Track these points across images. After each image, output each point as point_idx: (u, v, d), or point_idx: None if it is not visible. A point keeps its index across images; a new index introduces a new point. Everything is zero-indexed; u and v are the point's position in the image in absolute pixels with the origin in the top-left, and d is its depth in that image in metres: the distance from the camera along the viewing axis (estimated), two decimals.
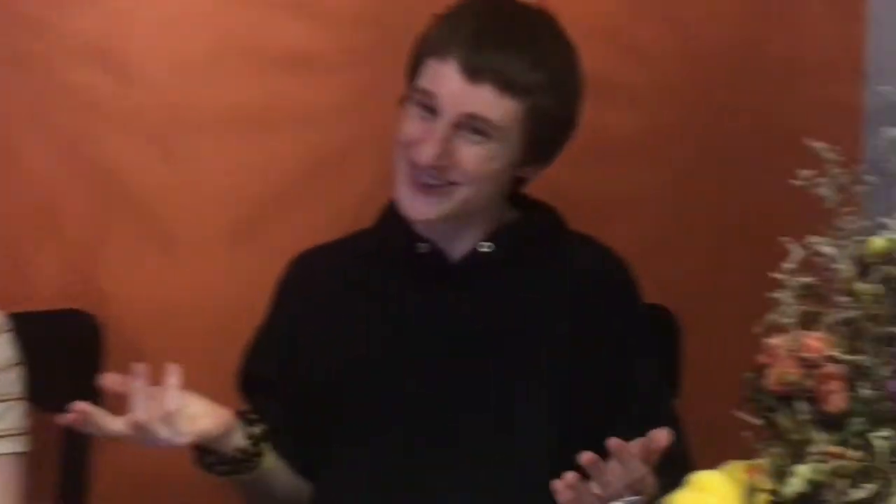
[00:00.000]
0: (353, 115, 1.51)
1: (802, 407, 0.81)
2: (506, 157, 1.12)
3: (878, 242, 0.84)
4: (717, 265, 1.75)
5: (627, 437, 1.08)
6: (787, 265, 0.84)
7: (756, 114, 1.75)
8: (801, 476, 0.79)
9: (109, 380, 1.01)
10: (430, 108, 1.10)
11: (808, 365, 0.82)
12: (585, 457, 0.92)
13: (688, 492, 0.93)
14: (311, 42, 1.49)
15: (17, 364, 1.14)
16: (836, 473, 0.78)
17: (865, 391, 0.80)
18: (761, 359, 0.85)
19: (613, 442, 0.93)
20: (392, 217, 1.17)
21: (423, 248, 1.14)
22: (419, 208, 1.11)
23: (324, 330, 1.17)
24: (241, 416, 1.09)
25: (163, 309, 1.45)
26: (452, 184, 1.10)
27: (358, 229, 1.24)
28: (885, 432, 0.78)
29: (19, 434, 1.12)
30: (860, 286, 0.83)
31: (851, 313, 0.82)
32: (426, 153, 1.08)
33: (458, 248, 1.15)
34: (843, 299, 0.83)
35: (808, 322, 0.85)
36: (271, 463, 1.11)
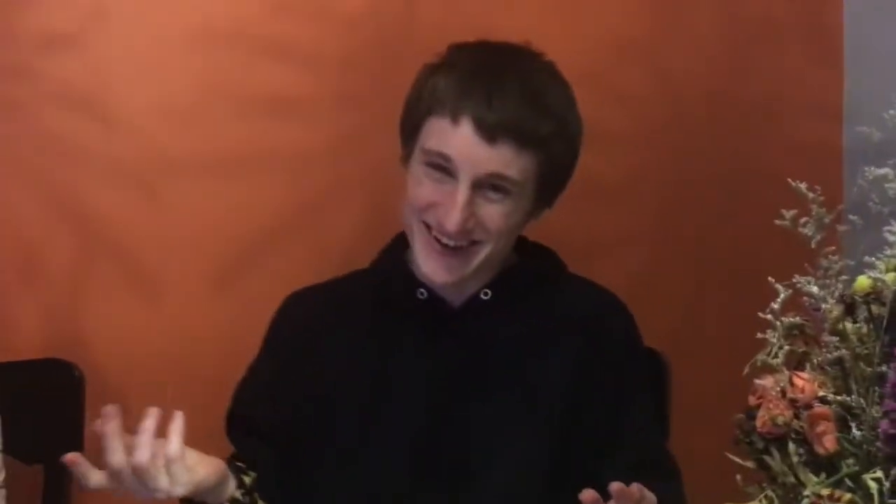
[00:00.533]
0: (337, 158, 1.51)
1: (794, 449, 0.81)
2: (522, 210, 1.11)
3: (863, 281, 0.84)
4: (700, 305, 1.75)
5: (623, 480, 1.07)
6: (773, 305, 0.84)
7: (737, 156, 1.77)
8: None
9: (98, 425, 0.98)
10: (443, 169, 1.08)
11: (798, 406, 0.82)
12: (586, 494, 0.91)
13: None
14: (294, 86, 1.49)
15: None
16: None
17: (856, 432, 0.80)
18: (751, 400, 0.84)
19: (616, 485, 0.91)
20: (389, 261, 1.17)
21: (423, 294, 1.13)
22: (442, 273, 1.10)
23: (315, 371, 1.15)
24: (231, 464, 1.07)
25: (145, 357, 1.43)
26: (474, 243, 1.09)
27: (351, 271, 1.22)
28: (877, 473, 0.78)
29: None
30: (847, 325, 0.83)
31: (839, 353, 0.82)
32: (453, 221, 1.06)
33: (459, 294, 1.13)
34: (831, 339, 0.83)
35: (797, 362, 0.85)
36: None
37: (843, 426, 0.81)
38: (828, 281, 0.86)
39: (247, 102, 1.48)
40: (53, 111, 1.41)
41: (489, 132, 1.05)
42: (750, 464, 0.84)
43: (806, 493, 0.79)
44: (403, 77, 1.16)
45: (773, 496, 0.80)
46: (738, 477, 0.83)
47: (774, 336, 0.84)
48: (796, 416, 0.82)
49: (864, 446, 0.79)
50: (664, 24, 1.71)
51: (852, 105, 1.79)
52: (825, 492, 0.78)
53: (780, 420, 0.81)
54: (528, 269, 1.16)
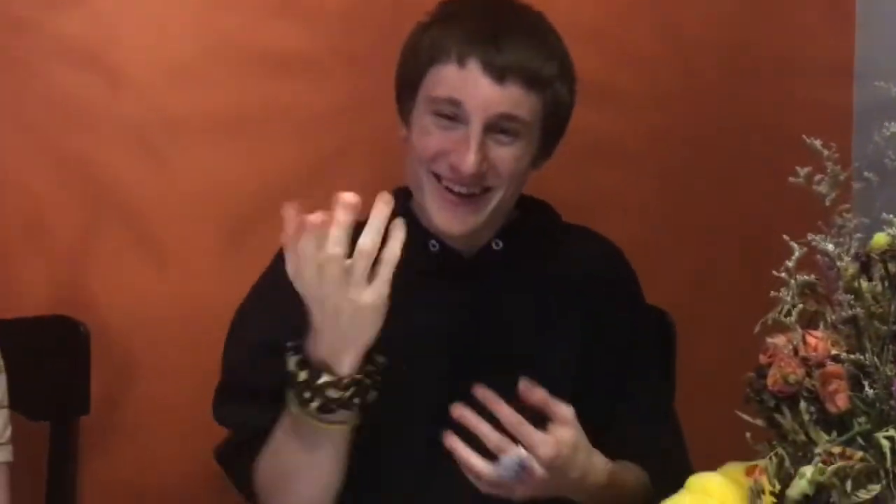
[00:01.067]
0: (345, 117, 1.50)
1: (805, 407, 0.80)
2: (530, 154, 1.12)
3: (881, 238, 0.83)
4: (710, 266, 1.74)
5: (627, 433, 1.07)
6: (788, 263, 0.83)
7: (747, 115, 1.75)
8: (805, 477, 0.78)
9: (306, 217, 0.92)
10: (452, 116, 1.08)
11: (810, 364, 0.81)
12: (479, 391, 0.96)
13: (687, 494, 0.92)
14: (301, 44, 1.48)
15: (0, 372, 1.12)
16: (840, 474, 0.77)
17: (869, 391, 0.79)
18: (762, 359, 0.84)
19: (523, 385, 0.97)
20: (400, 214, 1.15)
21: (434, 246, 1.13)
22: (457, 224, 1.10)
23: None
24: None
25: (151, 315, 1.43)
26: (487, 189, 1.10)
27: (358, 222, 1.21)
28: (890, 432, 0.77)
29: (3, 443, 1.10)
30: (862, 284, 0.82)
31: (854, 311, 0.82)
32: (469, 162, 1.06)
33: (470, 246, 1.14)
34: (845, 297, 0.82)
35: (808, 321, 0.84)
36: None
37: (855, 385, 0.80)
38: (842, 239, 0.85)
39: (254, 61, 1.46)
40: (58, 68, 1.40)
41: (498, 72, 1.06)
42: (760, 422, 0.83)
43: (817, 450, 0.78)
44: None
45: (784, 454, 0.80)
46: (748, 435, 0.82)
47: (788, 294, 0.83)
48: (808, 375, 0.81)
49: (877, 405, 0.79)
50: None
51: (863, 63, 1.77)
52: (836, 450, 0.78)
53: (792, 378, 0.80)
54: (531, 220, 1.17)
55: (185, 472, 1.42)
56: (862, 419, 0.79)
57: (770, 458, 0.81)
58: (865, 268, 0.83)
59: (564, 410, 0.99)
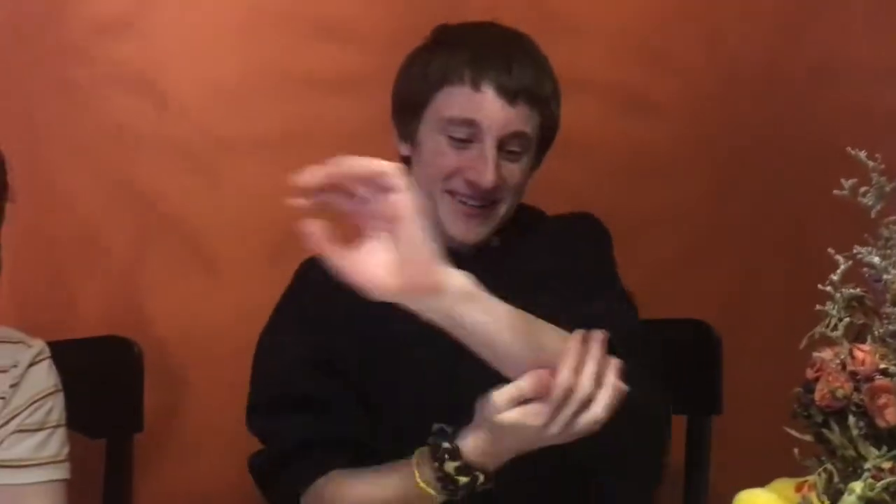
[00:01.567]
0: (386, 135, 1.51)
1: (854, 422, 0.79)
2: (530, 166, 1.21)
3: None
4: (754, 279, 1.73)
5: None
6: (833, 277, 0.83)
7: (791, 125, 1.73)
8: (854, 493, 0.77)
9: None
10: (465, 135, 1.16)
11: (858, 378, 0.80)
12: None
13: None
14: (342, 65, 1.50)
15: (57, 391, 1.15)
16: (891, 490, 0.77)
17: None
18: (809, 374, 0.83)
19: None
20: None
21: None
22: (471, 234, 1.18)
23: (350, 339, 1.17)
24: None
25: (203, 333, 1.46)
26: (496, 201, 1.18)
27: None
28: None
29: (61, 461, 1.13)
30: None
31: None
32: (488, 179, 1.15)
33: (467, 247, 1.20)
34: (892, 310, 0.82)
35: (856, 334, 0.84)
36: None
37: None
38: (889, 251, 0.84)
39: (297, 83, 1.49)
40: (109, 93, 1.44)
41: (510, 95, 1.15)
42: (808, 437, 0.83)
43: (867, 466, 0.77)
44: None
45: (833, 469, 0.79)
46: (796, 450, 0.82)
47: (834, 308, 0.82)
48: (856, 389, 0.80)
49: None
50: None
51: None
52: (886, 465, 0.77)
53: (840, 393, 0.80)
54: (523, 216, 1.24)
55: (237, 487, 1.44)
56: None
57: (819, 474, 0.80)
58: None
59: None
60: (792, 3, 1.72)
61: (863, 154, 0.86)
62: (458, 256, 1.14)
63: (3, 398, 1.11)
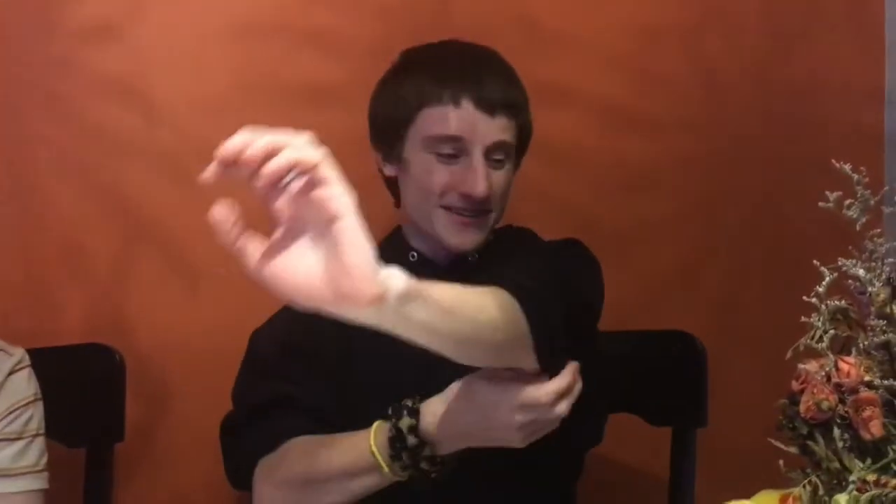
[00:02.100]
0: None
1: (839, 434, 0.79)
2: (512, 172, 1.25)
3: None
4: (740, 291, 1.73)
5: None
6: (818, 288, 0.83)
7: (777, 140, 1.74)
8: None
9: None
10: (452, 151, 1.20)
11: (843, 391, 0.81)
12: None
13: None
14: (332, 76, 1.50)
15: (37, 400, 1.13)
16: (875, 502, 0.76)
17: None
18: (794, 385, 0.83)
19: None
20: (392, 234, 1.26)
21: (413, 257, 1.24)
22: (468, 242, 1.22)
23: (330, 352, 1.19)
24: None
25: (185, 343, 1.45)
26: (487, 211, 1.22)
27: None
28: None
29: (40, 471, 1.12)
30: (894, 308, 0.82)
31: (886, 336, 0.81)
32: (481, 189, 1.19)
33: (446, 257, 1.24)
34: (877, 322, 0.82)
35: (841, 346, 0.84)
36: None
37: (889, 411, 0.79)
38: (873, 264, 0.84)
39: (284, 92, 1.49)
40: (96, 102, 1.43)
41: (489, 107, 1.20)
42: (793, 449, 0.83)
43: (851, 478, 0.77)
44: None
45: (818, 482, 0.79)
46: (781, 462, 0.82)
47: (819, 320, 0.83)
48: (841, 401, 0.80)
49: None
50: (704, 7, 1.69)
51: (895, 87, 1.76)
52: (871, 477, 0.77)
53: (825, 405, 0.80)
54: (508, 236, 1.28)
55: (218, 497, 1.43)
56: None
57: (804, 486, 0.80)
58: None
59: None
60: (778, 20, 1.73)
61: (848, 167, 0.87)
62: (436, 269, 1.20)
63: None
